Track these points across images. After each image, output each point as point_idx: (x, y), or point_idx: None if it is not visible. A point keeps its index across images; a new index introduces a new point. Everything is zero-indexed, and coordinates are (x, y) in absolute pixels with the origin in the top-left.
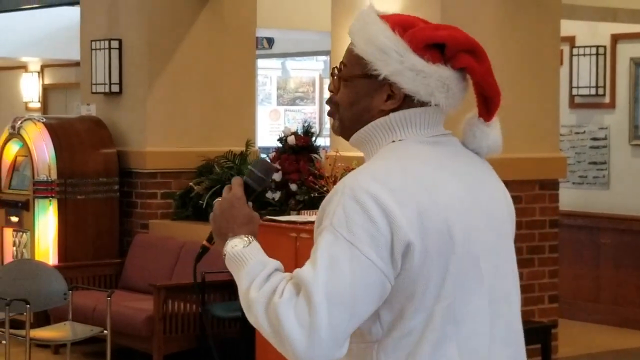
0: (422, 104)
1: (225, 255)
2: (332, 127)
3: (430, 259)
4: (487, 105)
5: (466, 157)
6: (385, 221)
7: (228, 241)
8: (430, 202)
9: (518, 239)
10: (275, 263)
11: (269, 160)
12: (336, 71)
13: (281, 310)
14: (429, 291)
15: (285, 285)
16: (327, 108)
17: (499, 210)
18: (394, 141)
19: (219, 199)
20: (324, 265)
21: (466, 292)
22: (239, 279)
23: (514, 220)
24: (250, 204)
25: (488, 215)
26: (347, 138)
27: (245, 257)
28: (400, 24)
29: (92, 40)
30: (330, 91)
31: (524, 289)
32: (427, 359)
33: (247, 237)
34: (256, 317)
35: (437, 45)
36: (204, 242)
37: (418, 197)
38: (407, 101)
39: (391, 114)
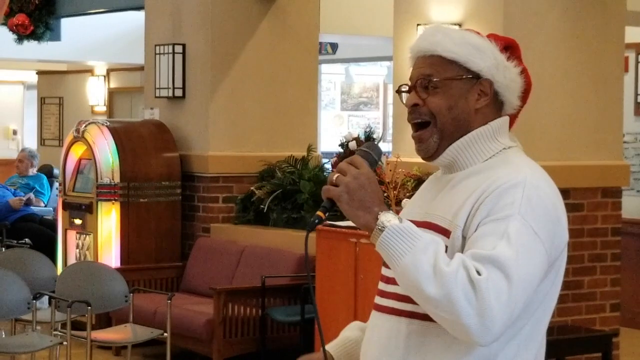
0: (501, 106)
1: (382, 228)
2: (425, 150)
3: (565, 256)
4: (512, 119)
5: None
6: (557, 221)
7: (381, 215)
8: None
9: (579, 246)
10: (440, 240)
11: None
12: (419, 83)
13: (483, 286)
14: (553, 287)
15: (475, 263)
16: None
17: None
18: (504, 148)
19: (356, 172)
20: (519, 250)
21: None
22: (407, 251)
23: None
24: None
25: None
26: (441, 153)
27: (416, 232)
28: (476, 31)
29: (156, 45)
30: (414, 105)
31: (585, 297)
32: (536, 349)
33: (395, 214)
34: (450, 290)
35: (505, 48)
36: (319, 212)
37: (562, 202)
38: (492, 101)
39: (491, 123)
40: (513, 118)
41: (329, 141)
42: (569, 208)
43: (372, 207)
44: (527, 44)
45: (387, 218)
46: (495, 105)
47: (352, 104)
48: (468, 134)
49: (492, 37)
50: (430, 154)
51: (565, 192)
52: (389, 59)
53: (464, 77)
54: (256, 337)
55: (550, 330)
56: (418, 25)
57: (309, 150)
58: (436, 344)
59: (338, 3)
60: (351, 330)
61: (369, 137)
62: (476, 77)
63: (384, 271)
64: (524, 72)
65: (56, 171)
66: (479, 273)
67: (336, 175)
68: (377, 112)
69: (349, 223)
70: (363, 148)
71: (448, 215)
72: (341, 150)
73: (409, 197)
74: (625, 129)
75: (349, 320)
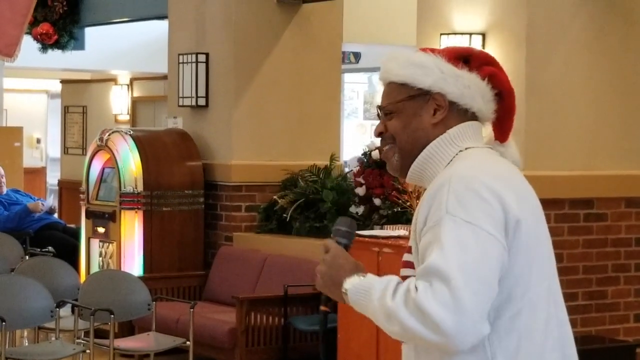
0: (465, 113)
1: (346, 293)
2: (391, 167)
3: (531, 239)
4: (502, 125)
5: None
6: (496, 200)
7: (344, 284)
8: (520, 192)
9: (603, 256)
10: (397, 278)
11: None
12: (379, 113)
13: (421, 301)
14: (533, 271)
15: (415, 282)
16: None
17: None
18: (461, 150)
19: (323, 260)
20: (451, 248)
21: (554, 277)
22: (368, 303)
23: None
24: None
25: (543, 223)
26: (406, 170)
27: (369, 282)
28: (426, 49)
29: (179, 54)
30: (380, 134)
31: (609, 307)
32: (540, 339)
33: (361, 274)
34: (400, 320)
35: (461, 59)
36: (322, 307)
37: (513, 187)
38: (453, 111)
39: (449, 130)
40: (507, 123)
41: (351, 150)
42: (593, 218)
43: (340, 281)
44: (550, 53)
45: (351, 282)
46: (457, 114)
47: (375, 113)
48: (429, 145)
49: (445, 50)
50: (397, 172)
51: (589, 202)
52: None
53: (415, 95)
54: (278, 345)
55: (574, 340)
56: (441, 34)
57: (332, 159)
58: (440, 354)
59: (361, 12)
60: None
61: None
62: (427, 93)
63: None
64: (492, 77)
65: None
66: (417, 289)
67: (317, 269)
68: None
69: (371, 232)
70: (334, 227)
71: (412, 232)
72: (364, 159)
73: None
74: None
75: (371, 330)
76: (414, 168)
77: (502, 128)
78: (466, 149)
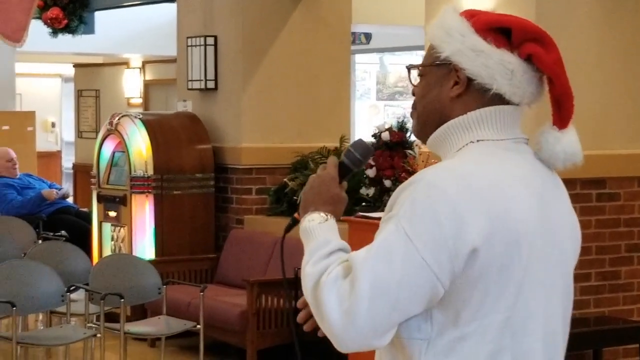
0: (485, 92)
1: (300, 227)
2: (413, 130)
3: (493, 269)
4: (559, 111)
5: (538, 169)
6: (454, 224)
7: (307, 215)
8: (504, 212)
9: (616, 236)
10: (339, 243)
11: (367, 142)
12: (409, 71)
13: (324, 289)
14: (487, 300)
15: (336, 266)
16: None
17: (564, 231)
18: (472, 142)
19: (314, 175)
20: (377, 253)
21: (528, 309)
22: (305, 252)
23: (579, 245)
24: (345, 184)
25: (554, 235)
26: (425, 138)
27: (315, 233)
28: (470, 12)
29: (188, 37)
30: (413, 93)
31: (623, 287)
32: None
33: (326, 215)
34: (305, 290)
35: (504, 31)
36: (295, 214)
37: (493, 206)
38: (471, 88)
39: (470, 113)
40: (563, 110)
41: (365, 131)
42: (605, 198)
43: (309, 207)
44: (560, 31)
45: (311, 218)
46: (476, 93)
47: (387, 94)
48: (445, 124)
49: (482, 18)
50: (416, 137)
51: (601, 182)
52: (423, 48)
53: (439, 63)
54: (289, 328)
55: (587, 321)
56: None
57: (342, 141)
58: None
59: None
60: None
61: (401, 127)
62: (449, 63)
63: None
64: (532, 57)
65: None
66: (329, 275)
67: (311, 175)
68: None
69: (382, 214)
70: (348, 146)
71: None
72: (374, 140)
73: None
74: None
75: None
76: (432, 139)
77: (558, 113)
78: (478, 140)
